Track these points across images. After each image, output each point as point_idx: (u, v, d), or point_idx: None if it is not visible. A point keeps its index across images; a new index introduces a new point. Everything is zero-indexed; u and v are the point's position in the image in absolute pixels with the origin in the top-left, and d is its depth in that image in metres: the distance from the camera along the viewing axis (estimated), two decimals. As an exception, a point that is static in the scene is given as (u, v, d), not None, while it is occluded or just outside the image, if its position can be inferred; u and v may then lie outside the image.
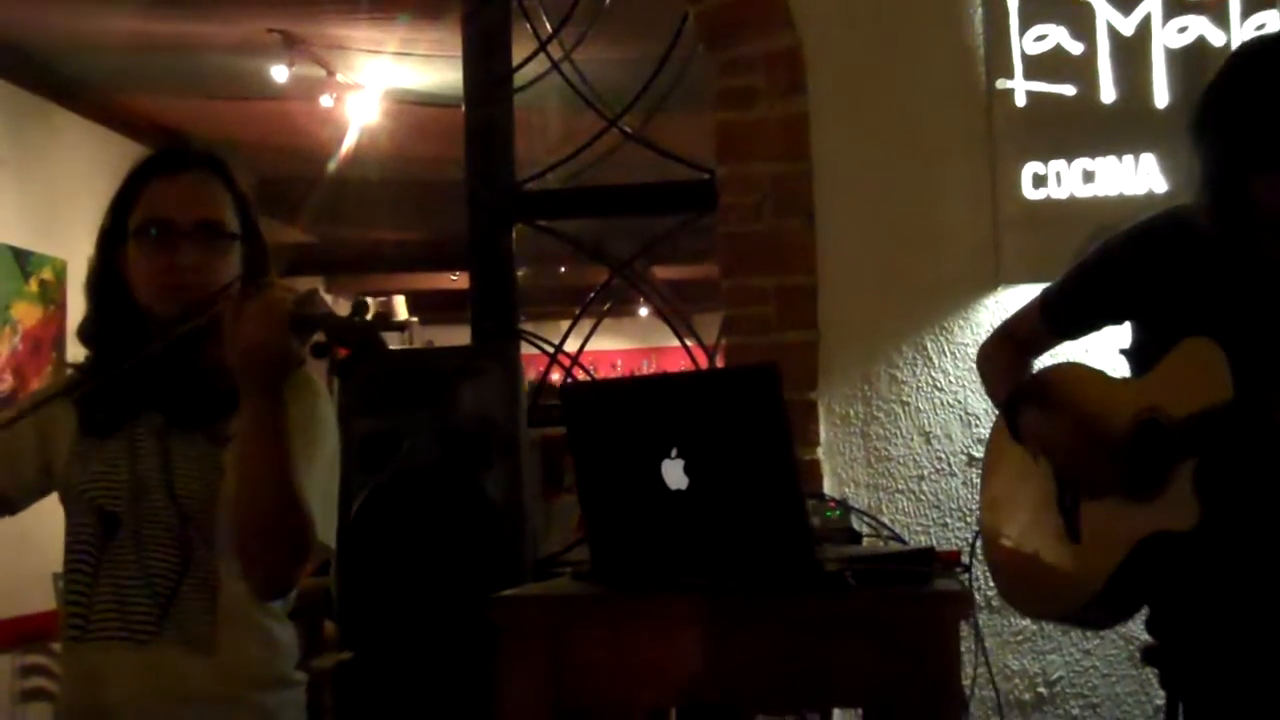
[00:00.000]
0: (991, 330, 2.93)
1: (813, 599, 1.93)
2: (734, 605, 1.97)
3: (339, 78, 6.56)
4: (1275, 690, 2.22)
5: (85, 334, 2.13)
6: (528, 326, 4.25)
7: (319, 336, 1.85)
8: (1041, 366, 2.66)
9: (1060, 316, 2.62)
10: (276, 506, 1.86)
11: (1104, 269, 2.53)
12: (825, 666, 1.94)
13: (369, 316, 1.83)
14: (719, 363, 3.99)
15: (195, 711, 1.99)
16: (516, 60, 4.17)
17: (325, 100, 6.74)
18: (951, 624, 1.88)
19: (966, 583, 2.72)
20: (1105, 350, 2.76)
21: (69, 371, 2.17)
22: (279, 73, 6.32)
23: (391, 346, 8.22)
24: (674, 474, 2.02)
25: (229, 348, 1.86)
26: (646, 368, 12.39)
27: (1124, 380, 2.51)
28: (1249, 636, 2.23)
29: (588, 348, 4.24)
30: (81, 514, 2.05)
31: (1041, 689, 3.38)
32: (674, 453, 2.02)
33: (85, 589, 2.02)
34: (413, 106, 6.81)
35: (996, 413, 2.75)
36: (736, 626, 1.97)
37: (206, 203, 2.09)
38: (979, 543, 2.64)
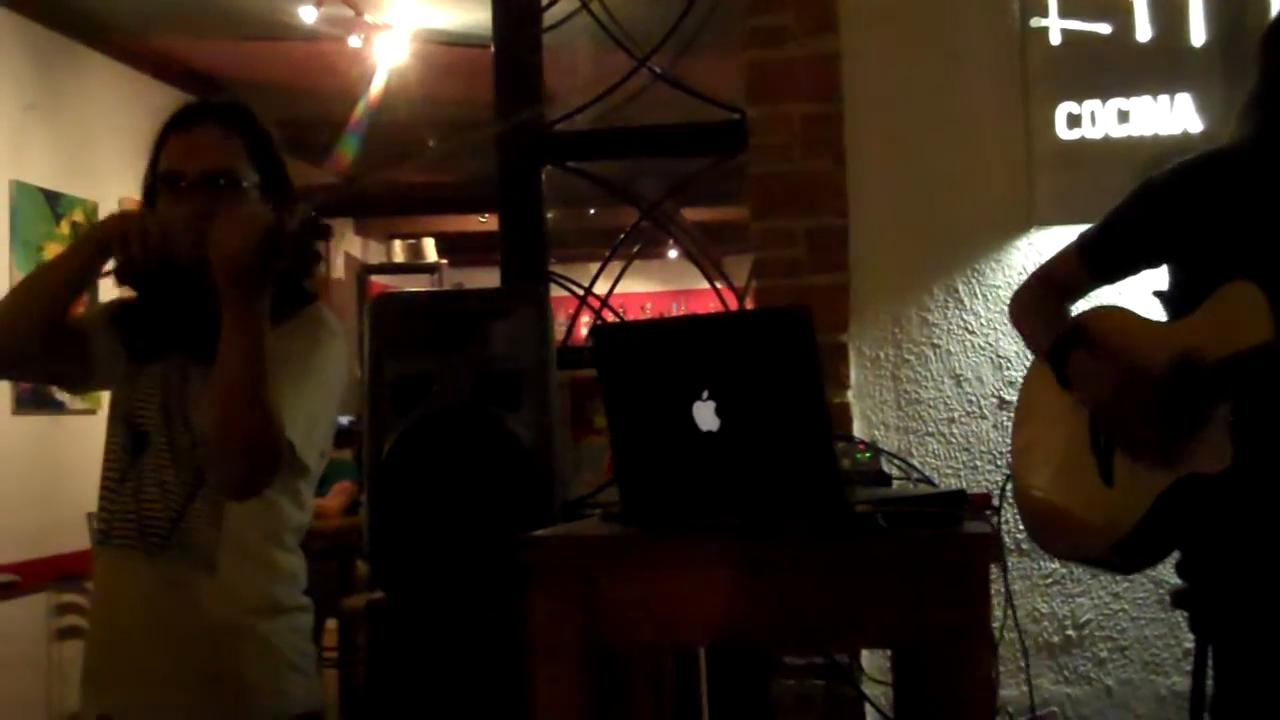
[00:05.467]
0: (1025, 273, 2.91)
1: (843, 541, 1.92)
2: (763, 547, 1.96)
3: (367, 18, 6.53)
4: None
5: (120, 274, 2.21)
6: (557, 268, 4.24)
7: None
8: (1080, 311, 2.64)
9: (1100, 258, 2.60)
10: (242, 409, 1.97)
11: (1145, 209, 2.52)
12: (854, 608, 1.94)
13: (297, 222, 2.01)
14: (749, 305, 3.98)
15: (198, 632, 2.14)
16: (545, -1, 4.14)
17: (354, 41, 6.71)
18: (981, 566, 1.87)
19: (996, 525, 2.72)
20: (1139, 294, 2.74)
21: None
22: (307, 13, 6.30)
23: (421, 289, 8.24)
24: (705, 415, 2.01)
25: (211, 258, 1.99)
26: (676, 310, 12.32)
27: (1164, 323, 2.50)
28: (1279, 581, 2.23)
29: (617, 290, 4.24)
30: (118, 429, 2.22)
31: (1070, 631, 3.38)
32: (705, 394, 2.01)
33: (112, 496, 2.20)
34: (441, 47, 6.77)
35: (1028, 356, 2.74)
36: (766, 568, 1.96)
37: (215, 154, 2.19)
38: (1009, 485, 2.63)
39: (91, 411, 5.85)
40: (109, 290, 2.31)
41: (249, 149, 2.21)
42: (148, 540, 2.15)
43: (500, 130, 4.09)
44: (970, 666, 1.82)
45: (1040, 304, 2.64)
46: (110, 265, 2.14)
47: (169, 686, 2.14)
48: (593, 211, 8.87)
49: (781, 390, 1.96)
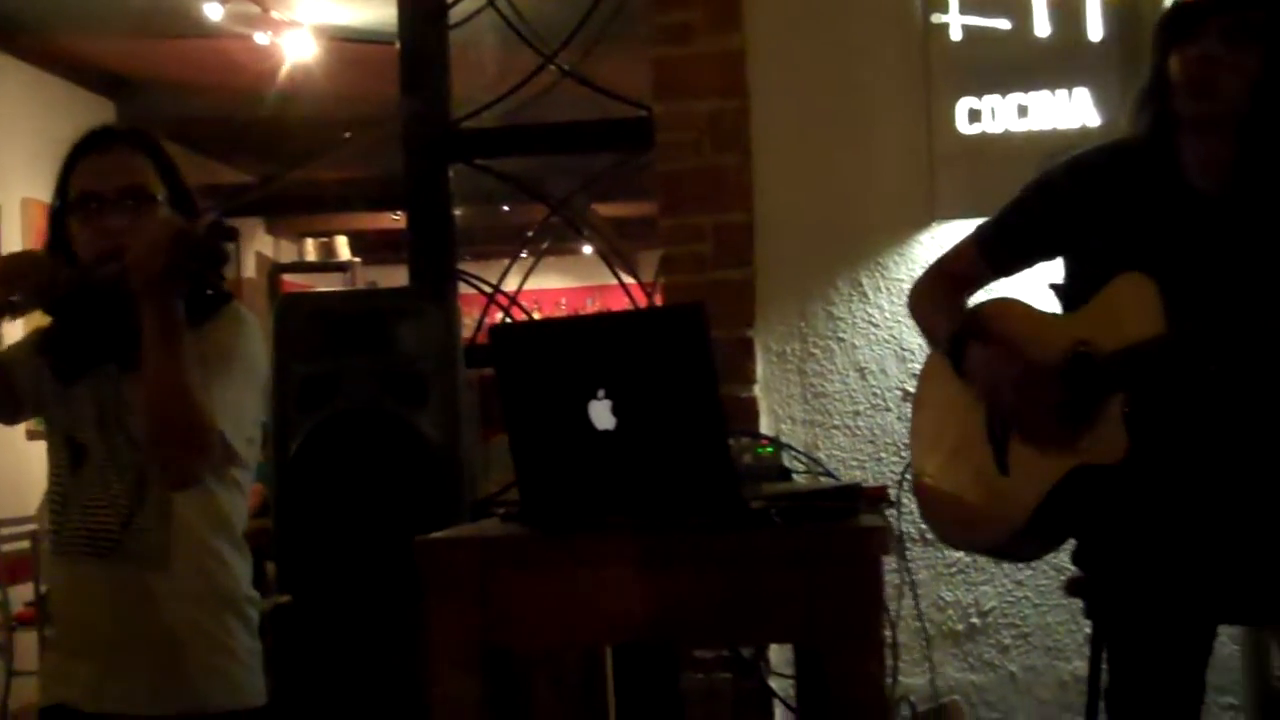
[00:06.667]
0: (926, 266, 2.93)
1: (738, 537, 1.93)
2: (661, 544, 1.97)
3: (274, 14, 6.47)
4: (1194, 623, 2.27)
5: (15, 310, 2.30)
6: (473, 266, 4.23)
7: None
8: (977, 302, 2.66)
9: (997, 251, 2.62)
10: (170, 403, 2.09)
11: (1041, 202, 2.54)
12: (752, 603, 1.95)
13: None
14: (658, 301, 3.99)
15: (153, 631, 2.23)
16: (451, -4, 4.12)
17: (260, 38, 6.65)
18: (872, 559, 1.89)
19: (894, 518, 2.76)
20: (1036, 286, 2.78)
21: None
22: (213, 10, 6.24)
23: (333, 288, 8.12)
24: (601, 414, 2.02)
25: (128, 266, 2.10)
26: (591, 306, 12.32)
27: (1059, 315, 2.53)
28: (1170, 569, 2.26)
29: (532, 287, 4.24)
30: (57, 446, 2.33)
31: (975, 619, 3.43)
32: (601, 393, 2.02)
33: (59, 509, 2.31)
34: (349, 43, 6.72)
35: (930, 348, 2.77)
36: (664, 565, 1.98)
37: (130, 172, 2.29)
38: (908, 477, 2.66)
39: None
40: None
41: (157, 168, 2.32)
42: (98, 546, 2.24)
43: (406, 127, 4.07)
44: (862, 657, 1.84)
45: (937, 296, 2.66)
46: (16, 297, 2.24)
47: (127, 685, 2.23)
48: (506, 208, 8.86)
49: (676, 388, 1.97)
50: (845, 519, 2.01)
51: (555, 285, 12.40)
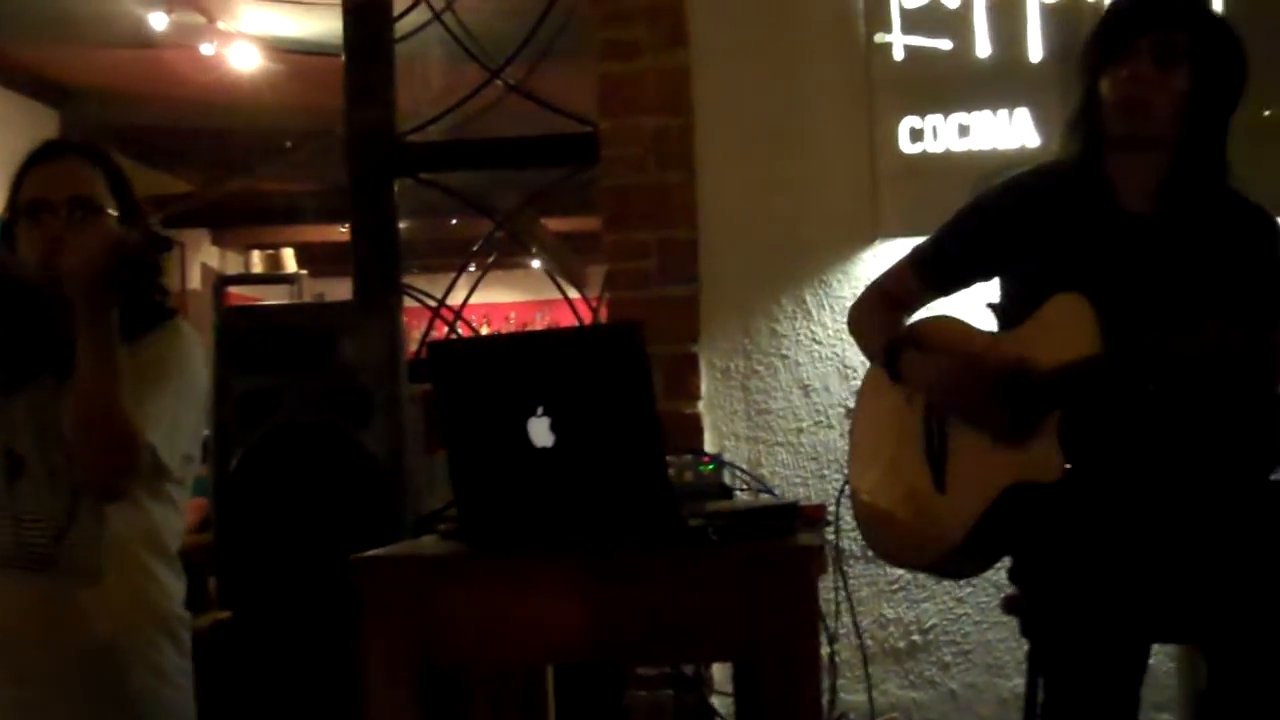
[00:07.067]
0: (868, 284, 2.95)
1: (675, 556, 1.94)
2: (599, 563, 1.97)
3: (219, 25, 6.44)
4: (1127, 640, 2.29)
5: None
6: (422, 280, 4.22)
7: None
8: (915, 320, 2.68)
9: (933, 271, 2.64)
10: (96, 413, 2.10)
11: (977, 223, 2.57)
12: (690, 622, 1.95)
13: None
14: (603, 316, 3.99)
15: (83, 645, 2.23)
16: (398, 10, 4.11)
17: (206, 48, 6.61)
18: (807, 578, 1.90)
19: (832, 536, 2.77)
20: (973, 306, 2.80)
21: None
22: (157, 20, 6.20)
23: (279, 301, 8.06)
24: (540, 432, 2.02)
25: (62, 276, 2.12)
26: (540, 320, 12.27)
27: (995, 333, 2.55)
28: (1104, 587, 2.28)
29: (482, 301, 4.23)
30: None
31: (915, 636, 3.44)
32: (540, 411, 2.02)
33: None
34: (296, 56, 6.69)
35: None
36: (602, 584, 1.97)
37: (79, 183, 2.32)
38: (847, 494, 2.67)
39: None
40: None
41: (108, 181, 2.34)
42: (30, 559, 2.24)
43: (351, 141, 4.06)
44: (797, 675, 1.84)
45: (876, 314, 2.68)
46: None
47: (55, 700, 2.22)
48: (455, 222, 8.83)
49: (614, 406, 1.97)
50: (782, 537, 2.02)
51: (505, 299, 12.34)
